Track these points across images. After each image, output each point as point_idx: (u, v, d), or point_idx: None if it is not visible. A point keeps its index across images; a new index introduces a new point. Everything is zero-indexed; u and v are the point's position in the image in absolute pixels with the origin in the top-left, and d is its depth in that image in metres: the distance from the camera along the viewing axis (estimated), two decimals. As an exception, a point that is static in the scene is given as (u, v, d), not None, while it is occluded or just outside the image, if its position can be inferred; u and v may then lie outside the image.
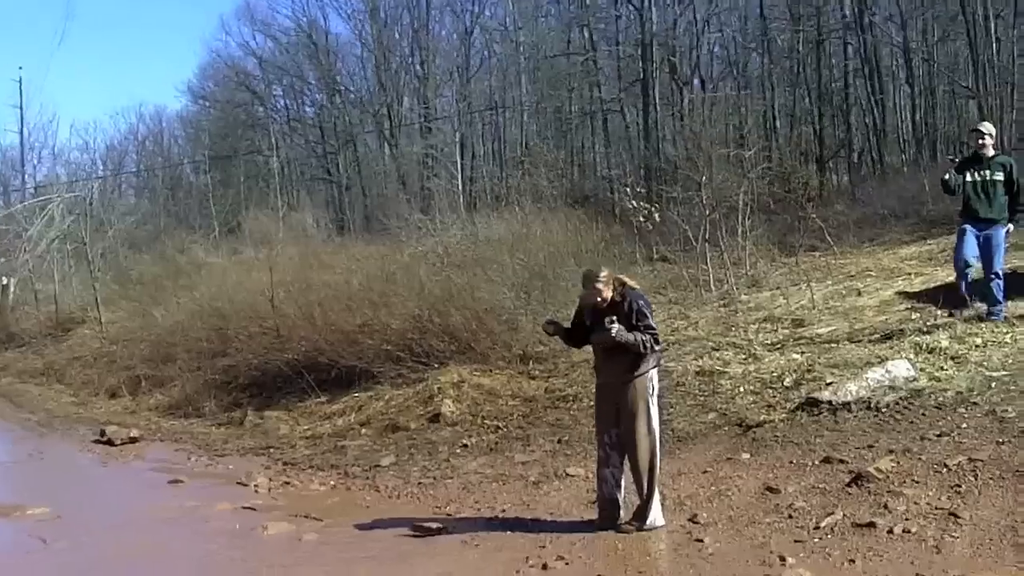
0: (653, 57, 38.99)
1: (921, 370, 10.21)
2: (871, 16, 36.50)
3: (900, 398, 9.72)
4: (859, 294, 14.74)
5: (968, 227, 11.62)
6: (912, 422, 9.21)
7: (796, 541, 7.35)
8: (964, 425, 8.82)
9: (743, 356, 12.08)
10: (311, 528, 8.99)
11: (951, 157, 12.71)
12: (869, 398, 9.82)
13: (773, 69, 39.15)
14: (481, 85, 49.96)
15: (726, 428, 10.28)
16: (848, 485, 8.14)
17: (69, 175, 48.24)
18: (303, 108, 56.37)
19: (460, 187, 37.13)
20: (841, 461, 8.65)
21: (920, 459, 8.32)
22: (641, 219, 18.70)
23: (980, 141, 11.74)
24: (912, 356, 10.72)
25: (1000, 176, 11.58)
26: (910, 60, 35.70)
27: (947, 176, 11.75)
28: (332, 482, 10.93)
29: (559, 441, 11.05)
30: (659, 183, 27.04)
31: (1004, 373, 9.80)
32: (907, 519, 7.36)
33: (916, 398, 9.65)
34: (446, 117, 49.13)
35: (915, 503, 7.59)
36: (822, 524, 7.53)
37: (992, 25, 34.08)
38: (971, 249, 11.57)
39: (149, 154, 63.24)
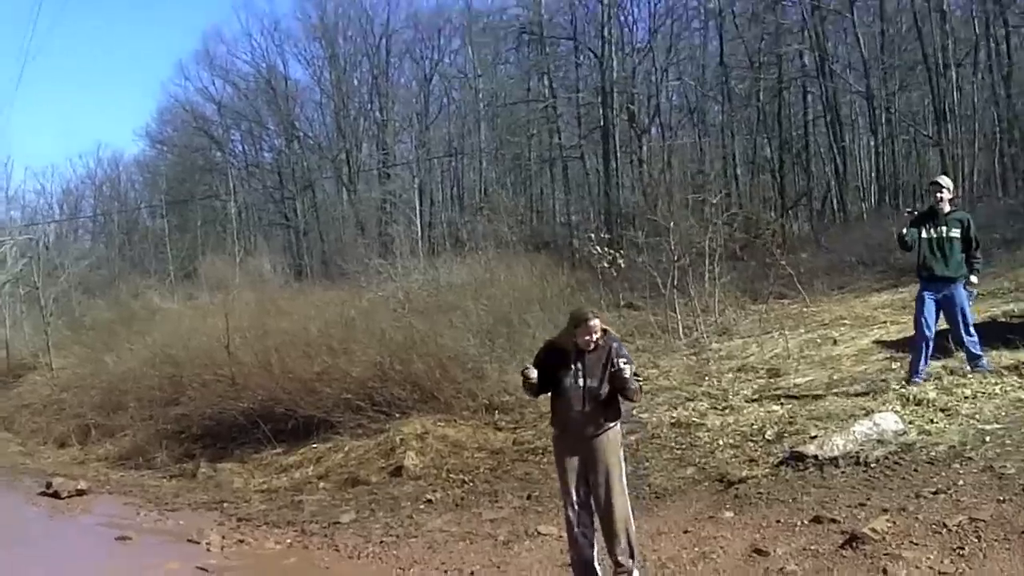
0: (613, 104, 38.85)
1: (910, 423, 9.74)
2: (831, 64, 36.56)
3: (890, 452, 9.23)
4: (835, 343, 14.37)
5: (927, 295, 11.17)
6: (904, 478, 8.72)
7: (791, 610, 6.85)
8: (961, 482, 8.33)
9: (720, 407, 11.61)
10: (267, 593, 8.42)
11: (908, 211, 11.97)
12: (857, 453, 9.34)
13: (733, 117, 39.05)
14: (440, 131, 49.82)
15: (706, 484, 9.76)
16: (842, 547, 7.63)
17: (24, 218, 47.36)
18: (261, 153, 56.02)
19: (419, 233, 36.72)
20: (832, 520, 8.14)
21: (917, 519, 7.82)
22: (605, 265, 18.31)
23: (938, 195, 11.17)
24: (899, 408, 10.26)
25: (956, 233, 11.06)
26: (873, 108, 35.63)
27: (904, 231, 11.17)
28: (289, 540, 10.32)
29: (528, 497, 10.49)
30: (621, 229, 26.70)
31: (998, 426, 9.35)
32: (910, 586, 6.88)
33: (907, 452, 9.17)
34: (405, 163, 48.77)
35: (916, 567, 7.09)
36: (817, 591, 7.03)
37: (953, 74, 34.22)
38: (931, 318, 11.16)
39: (106, 198, 62.36)
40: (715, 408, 11.64)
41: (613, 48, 39.88)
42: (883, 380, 11.78)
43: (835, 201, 36.10)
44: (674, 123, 42.23)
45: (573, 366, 7.47)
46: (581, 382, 7.44)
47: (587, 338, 7.42)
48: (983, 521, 7.54)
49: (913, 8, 35.06)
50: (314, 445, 13.57)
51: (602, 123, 39.54)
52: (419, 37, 50.35)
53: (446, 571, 8.62)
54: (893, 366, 12.50)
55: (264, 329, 16.86)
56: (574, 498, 7.53)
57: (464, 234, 33.26)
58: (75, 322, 30.14)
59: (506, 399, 13.30)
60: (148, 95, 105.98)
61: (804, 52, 37.21)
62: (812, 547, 7.78)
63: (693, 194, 21.59)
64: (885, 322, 15.44)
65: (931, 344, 11.13)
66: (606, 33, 39.61)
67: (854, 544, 7.59)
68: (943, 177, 12.06)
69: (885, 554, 7.32)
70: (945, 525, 7.58)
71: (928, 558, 7.18)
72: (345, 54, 51.11)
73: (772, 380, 12.67)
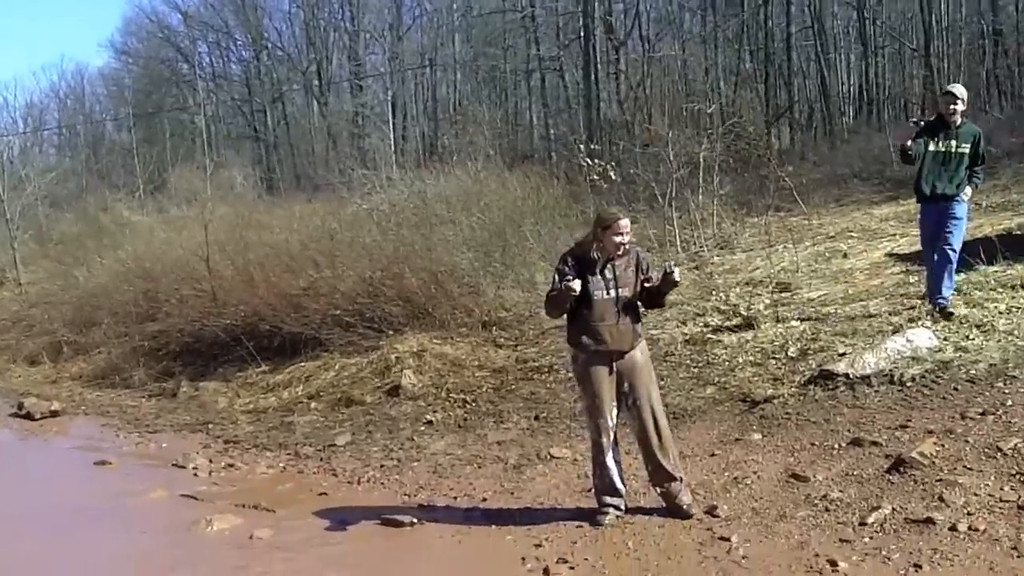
0: (594, 13, 37.75)
1: (945, 339, 9.15)
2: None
3: (926, 371, 8.64)
4: (845, 256, 13.77)
5: (930, 217, 10.06)
6: (945, 398, 8.14)
7: (842, 540, 6.26)
8: (1009, 402, 7.75)
9: (735, 323, 10.97)
10: (263, 522, 7.75)
11: (914, 121, 10.64)
12: (891, 371, 8.75)
13: (716, 29, 38.14)
14: (413, 43, 48.74)
15: (728, 404, 9.15)
16: (888, 472, 7.06)
17: (-13, 132, 46.11)
18: (229, 65, 54.76)
19: (393, 146, 35.91)
20: (874, 443, 7.55)
21: (967, 442, 7.24)
22: (595, 177, 17.59)
23: (952, 106, 9.79)
24: (929, 324, 9.68)
25: (966, 148, 9.95)
26: (864, 18, 34.87)
27: (908, 144, 9.85)
28: (282, 464, 9.66)
29: (536, 418, 9.87)
30: (609, 141, 26.01)
31: (1039, 343, 8.79)
32: (970, 514, 6.29)
33: (944, 371, 8.59)
34: (377, 75, 47.79)
35: (975, 494, 6.52)
36: (869, 520, 6.43)
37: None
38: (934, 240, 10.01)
39: (70, 111, 60.99)
40: (729, 324, 11.00)
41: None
42: (903, 294, 11.21)
43: (820, 114, 35.41)
44: (653, 36, 41.23)
45: (602, 275, 6.80)
46: (614, 292, 6.79)
47: (618, 239, 6.75)
48: (1040, 443, 7.01)
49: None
50: (302, 363, 12.87)
51: (582, 33, 38.47)
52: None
53: (455, 497, 8.00)
54: (911, 279, 11.92)
55: (244, 242, 16.03)
56: (610, 423, 6.91)
57: (440, 147, 32.52)
58: (43, 236, 29.24)
59: (503, 315, 12.66)
60: (113, 6, 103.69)
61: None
62: (855, 472, 7.21)
63: (689, 102, 20.89)
64: (894, 234, 14.87)
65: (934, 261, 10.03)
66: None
67: (901, 469, 7.02)
68: (958, 86, 10.49)
69: (938, 480, 6.76)
70: (999, 448, 7.02)
71: (986, 484, 6.61)
72: (315, -38, 49.65)
73: (784, 295, 12.05)
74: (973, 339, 9.10)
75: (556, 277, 6.82)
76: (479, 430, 9.83)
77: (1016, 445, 7.01)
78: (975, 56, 34.31)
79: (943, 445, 7.25)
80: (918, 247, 13.69)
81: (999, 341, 8.95)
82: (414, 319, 12.61)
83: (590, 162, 17.80)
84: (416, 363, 11.61)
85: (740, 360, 9.95)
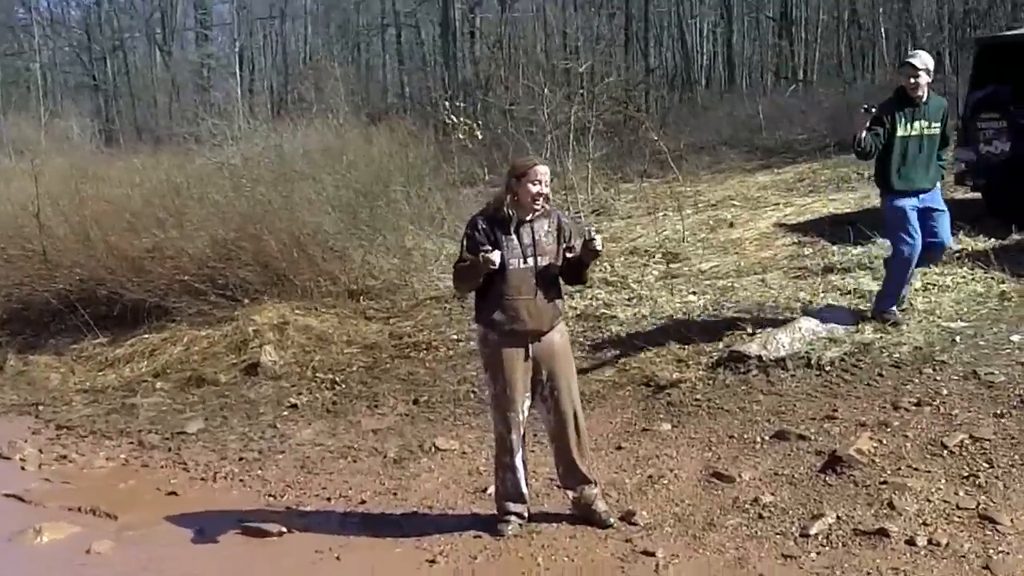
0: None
1: (863, 319, 8.42)
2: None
3: (845, 353, 7.91)
4: (731, 225, 13.07)
5: (907, 203, 8.11)
6: (870, 385, 7.41)
7: (785, 556, 5.46)
8: (944, 391, 7.05)
9: (627, 296, 10.12)
10: (103, 531, 6.59)
11: (865, 107, 8.20)
12: (807, 353, 7.99)
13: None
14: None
15: (630, 388, 8.25)
16: (823, 472, 6.29)
17: None
18: (68, 10, 51.85)
19: (239, 99, 34.28)
20: (801, 437, 6.76)
21: (906, 437, 6.51)
22: (460, 136, 16.58)
23: (913, 80, 7.95)
24: (838, 300, 8.98)
25: (938, 127, 8.19)
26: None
27: (863, 135, 7.90)
28: (123, 455, 8.37)
29: (415, 402, 8.78)
30: (475, 100, 25.06)
31: (964, 325, 8.13)
32: (926, 524, 5.55)
33: (865, 354, 7.86)
34: (224, 25, 45.97)
35: (928, 500, 5.78)
36: (812, 531, 5.63)
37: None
38: (918, 233, 8.10)
39: None
40: (620, 297, 10.14)
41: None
42: (801, 268, 10.52)
43: (680, 80, 35.04)
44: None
45: (519, 239, 5.79)
46: (532, 261, 5.79)
47: (535, 189, 5.76)
48: (987, 440, 6.34)
49: None
50: (146, 335, 11.38)
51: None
52: None
53: (329, 499, 6.95)
54: (804, 251, 11.28)
55: (79, 197, 14.42)
56: (521, 416, 5.92)
57: (290, 102, 31.10)
58: None
59: (373, 284, 11.54)
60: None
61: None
62: (785, 471, 6.41)
63: (560, 60, 20.04)
64: (777, 203, 14.28)
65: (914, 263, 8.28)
66: None
67: (837, 468, 6.27)
68: (920, 54, 8.28)
69: (882, 483, 6.02)
70: (944, 445, 6.32)
71: (938, 489, 5.90)
72: (161, -96, 47.36)
73: (673, 266, 11.25)
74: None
75: (465, 244, 5.82)
76: (351, 416, 8.71)
77: (963, 441, 6.30)
78: (831, 28, 34.47)
79: (880, 440, 6.50)
80: (805, 217, 13.19)
81: (920, 322, 8.30)
82: (273, 286, 11.37)
83: (455, 120, 16.79)
84: (277, 337, 10.35)
85: (639, 338, 9.05)
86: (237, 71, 40.57)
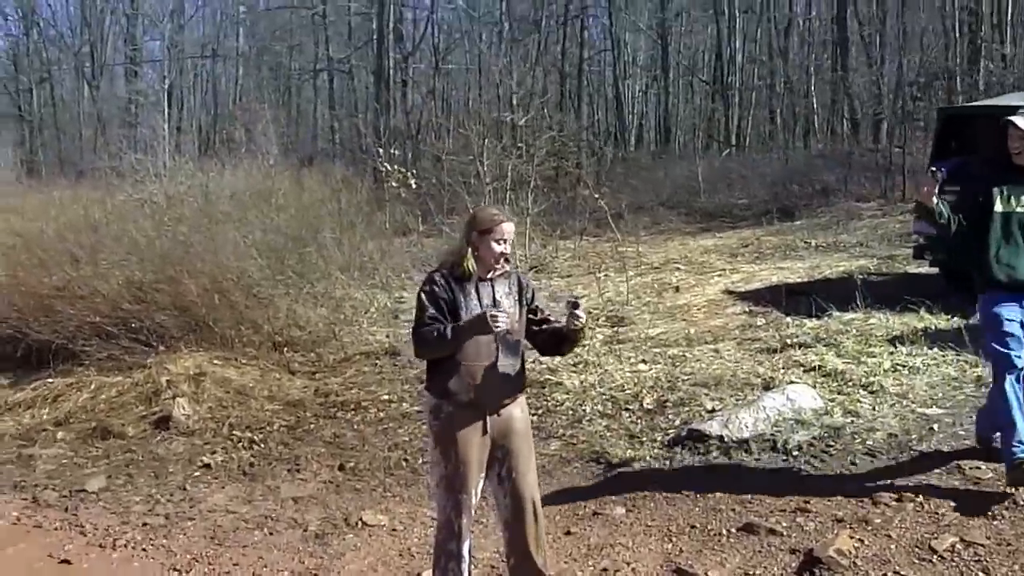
0: (389, 16, 36.22)
1: (831, 400, 7.86)
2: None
3: (814, 438, 7.30)
4: (677, 290, 12.56)
5: (1006, 308, 6.22)
6: (842, 475, 6.81)
7: None
8: (926, 483, 6.46)
9: (572, 361, 9.45)
10: (-22, 610, 5.73)
11: (933, 170, 6.57)
12: (773, 435, 7.37)
13: (511, 46, 37.14)
14: (194, 33, 46.36)
15: (579, 464, 7.55)
16: (799, 574, 5.61)
17: None
18: (-6, 40, 50.33)
19: (166, 136, 33.43)
20: (771, 532, 6.07)
21: (889, 537, 5.86)
22: (393, 184, 15.98)
23: (1020, 142, 6.23)
24: (801, 378, 8.42)
25: None
26: (666, 46, 34.55)
27: (937, 204, 6.18)
28: (15, 513, 7.40)
29: (342, 468, 7.94)
30: (408, 149, 24.48)
31: (940, 411, 7.57)
32: (923, 644, 4.92)
33: (835, 439, 7.27)
34: (154, 62, 45.14)
35: (920, 613, 5.16)
36: (796, 647, 4.98)
37: (739, 20, 33.72)
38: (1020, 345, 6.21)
39: None
40: (565, 361, 9.43)
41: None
42: (756, 339, 10.00)
43: (615, 140, 34.79)
44: (443, 47, 40.05)
45: (478, 299, 5.10)
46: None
47: (499, 249, 5.03)
48: (980, 545, 5.66)
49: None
50: (50, 379, 10.31)
51: (376, 36, 36.88)
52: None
53: (241, 578, 6.16)
54: (757, 321, 10.81)
55: (-14, 228, 13.49)
56: (472, 500, 5.14)
57: (217, 142, 30.30)
58: None
59: (298, 334, 10.76)
60: None
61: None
62: (756, 571, 5.71)
63: (498, 113, 19.56)
64: (724, 269, 13.87)
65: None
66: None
67: (816, 572, 5.57)
68: None
69: (867, 590, 5.36)
70: (934, 550, 5.65)
71: (931, 601, 5.25)
72: (94, -61, 46.43)
73: (618, 330, 10.66)
74: (862, 402, 7.86)
75: (425, 302, 5.02)
76: (269, 480, 7.84)
77: (954, 546, 5.66)
78: (764, 95, 34.65)
79: (861, 540, 5.84)
80: (753, 285, 12.73)
81: (893, 406, 7.74)
82: (191, 333, 10.53)
83: (389, 168, 16.19)
84: (192, 389, 9.44)
85: (587, 409, 8.39)
86: (166, 108, 39.66)
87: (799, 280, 12.78)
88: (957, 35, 27.43)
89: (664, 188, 23.28)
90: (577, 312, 4.96)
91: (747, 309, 11.40)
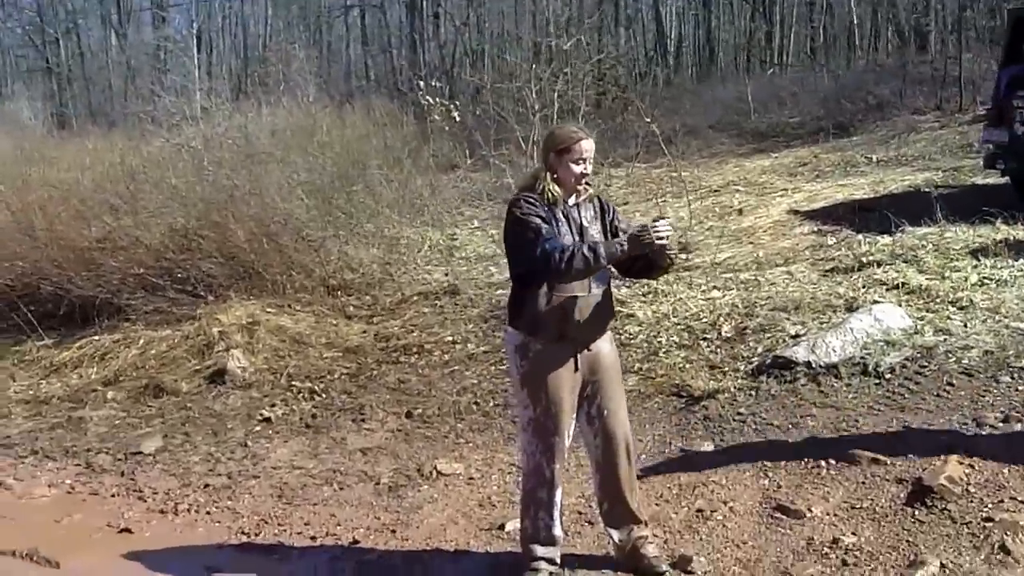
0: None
1: (920, 319, 7.37)
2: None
3: (906, 359, 6.85)
4: (740, 212, 12.04)
5: None
6: (942, 396, 6.37)
7: (887, 618, 4.37)
8: (1035, 405, 6.01)
9: (641, 291, 9.00)
10: (38, 587, 5.39)
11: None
12: (863, 359, 6.92)
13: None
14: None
15: (659, 399, 7.14)
16: (910, 505, 5.19)
17: None
18: (20, -8, 49.85)
19: (197, 83, 33.01)
20: (874, 461, 5.65)
21: (1000, 461, 5.43)
22: (436, 118, 15.44)
23: None
24: (884, 296, 7.94)
25: None
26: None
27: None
28: (69, 481, 7.07)
29: (409, 415, 7.58)
30: (450, 80, 23.97)
31: (1037, 324, 7.10)
32: (1066, 581, 4.48)
33: (928, 359, 6.81)
34: (181, 5, 44.62)
35: (1054, 547, 4.71)
36: (919, 586, 4.56)
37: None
38: None
39: None
40: (634, 291, 9.00)
41: None
42: (829, 259, 9.51)
43: (658, 63, 33.99)
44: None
45: (568, 223, 4.62)
46: None
47: (579, 169, 4.61)
48: (1105, 469, 5.24)
49: None
50: (96, 337, 9.91)
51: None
52: None
53: (314, 537, 5.80)
54: (828, 240, 10.31)
55: (23, 180, 13.03)
56: (565, 443, 4.76)
57: (250, 84, 29.86)
58: None
59: (352, 277, 10.35)
60: None
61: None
62: (863, 504, 5.31)
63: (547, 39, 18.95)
64: (785, 189, 13.33)
65: None
66: None
67: (927, 501, 5.17)
68: None
69: (986, 519, 4.94)
70: (1051, 475, 5.24)
71: (1063, 531, 4.81)
72: None
73: (686, 257, 10.14)
74: (953, 319, 7.37)
75: (527, 220, 4.51)
76: (335, 432, 7.48)
77: (1074, 465, 5.24)
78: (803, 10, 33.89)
79: (972, 466, 5.43)
80: (818, 204, 12.21)
81: (985, 321, 7.26)
82: (240, 281, 10.12)
83: (431, 101, 15.65)
84: (246, 339, 9.03)
85: (663, 340, 7.95)
86: (195, 53, 39.20)
87: (864, 196, 12.24)
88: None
89: (712, 110, 22.59)
90: (652, 225, 4.44)
91: (815, 228, 10.91)
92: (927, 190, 11.76)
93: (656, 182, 13.93)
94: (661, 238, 4.38)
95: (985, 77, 17.98)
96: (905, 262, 8.76)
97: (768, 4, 33.68)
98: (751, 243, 10.62)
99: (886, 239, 9.79)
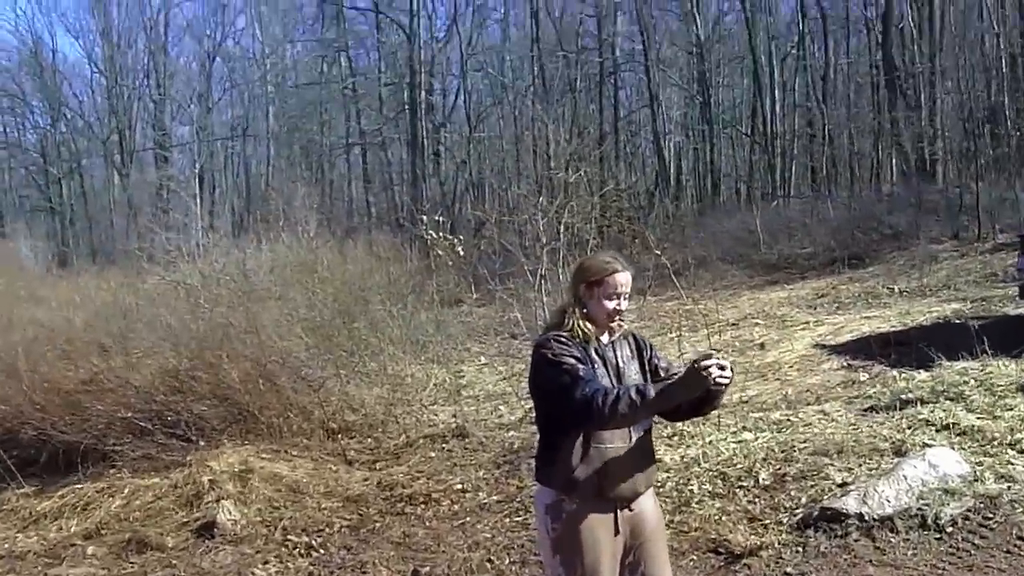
0: (421, 84, 35.64)
1: (978, 464, 6.70)
2: (656, 51, 34.73)
3: (968, 510, 6.17)
4: (762, 347, 11.43)
5: None
6: (1012, 552, 5.70)
7: None
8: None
9: (668, 433, 8.34)
10: None
11: None
12: (920, 510, 6.22)
13: (547, 107, 36.49)
14: (223, 115, 46.11)
15: (695, 556, 6.40)
16: None
17: None
18: (24, 133, 50.16)
19: (199, 222, 32.79)
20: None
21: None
22: (439, 253, 14.93)
23: None
24: (934, 439, 7.28)
25: None
26: (707, 96, 33.71)
27: None
28: None
29: (416, 574, 6.81)
30: (447, 218, 23.58)
31: (1111, 471, 6.43)
32: None
33: (993, 509, 6.14)
34: (184, 144, 44.79)
35: None
36: None
37: (775, 69, 33.14)
38: None
39: None
40: (659, 433, 8.31)
41: (420, 23, 36.71)
42: (865, 397, 8.88)
43: (662, 196, 33.84)
44: (475, 116, 39.45)
45: (604, 365, 3.98)
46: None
47: (612, 305, 3.98)
48: None
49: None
50: (79, 485, 9.03)
51: (408, 105, 36.28)
52: (201, 12, 46.30)
53: None
54: (860, 377, 9.69)
55: (8, 319, 12.42)
56: None
57: (251, 222, 29.59)
58: None
59: (352, 419, 9.69)
60: None
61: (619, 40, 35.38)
62: None
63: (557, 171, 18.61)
64: (807, 322, 12.79)
65: None
66: (414, 6, 36.36)
67: None
68: None
69: None
70: None
71: None
72: (119, 27, 46.66)
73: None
74: (1014, 463, 6.71)
75: (560, 360, 3.83)
76: None
77: None
78: (804, 142, 34.05)
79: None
80: (844, 337, 11.66)
81: (1049, 466, 6.57)
82: (234, 424, 9.46)
83: (434, 235, 15.16)
84: (238, 489, 8.24)
85: (694, 489, 7.24)
86: (197, 192, 39.18)
87: (892, 329, 11.67)
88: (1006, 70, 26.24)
89: (720, 242, 22.23)
90: (716, 362, 3.79)
91: (844, 364, 10.34)
92: (958, 321, 11.22)
93: (670, 315, 13.37)
94: (725, 376, 3.74)
95: (999, 205, 17.69)
96: (949, 399, 8.13)
97: (768, 136, 33.69)
98: (778, 380, 10.03)
99: (923, 375, 9.21)
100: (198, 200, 37.02)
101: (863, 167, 31.67)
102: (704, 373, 3.57)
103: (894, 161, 30.51)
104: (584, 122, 35.11)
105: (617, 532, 3.97)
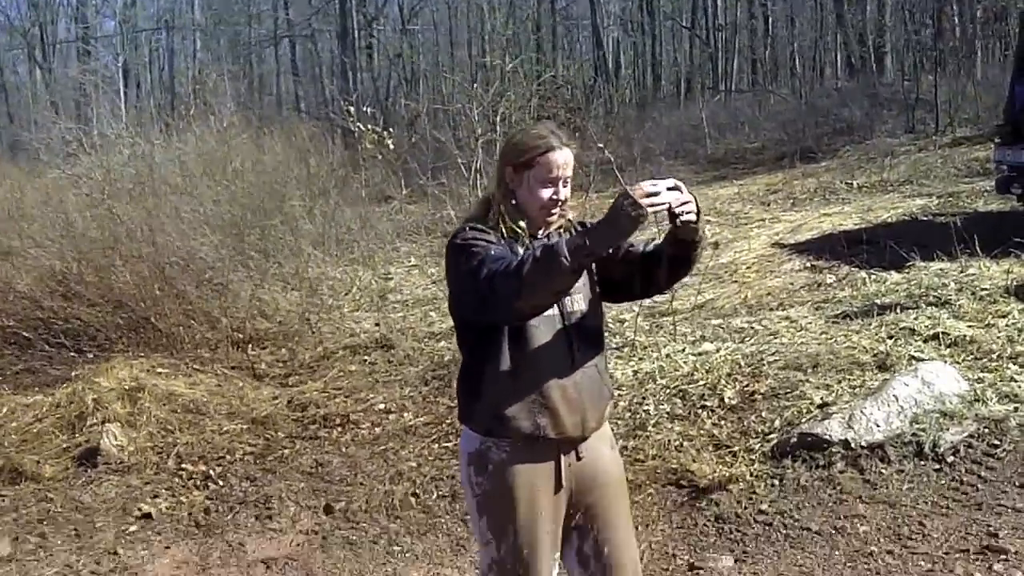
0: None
1: (977, 380, 5.82)
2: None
3: (970, 436, 5.31)
4: (716, 246, 10.50)
5: None
6: (1025, 485, 4.84)
7: None
8: None
9: (617, 342, 7.41)
10: None
11: None
12: (915, 436, 5.35)
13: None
14: (148, 9, 44.54)
15: (653, 490, 5.49)
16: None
17: None
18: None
19: (124, 118, 31.41)
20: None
21: None
22: (368, 145, 13.85)
23: None
24: (923, 350, 6.41)
25: None
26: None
27: None
28: None
29: (329, 510, 5.80)
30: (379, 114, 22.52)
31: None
32: None
33: (1000, 435, 5.29)
34: (107, 37, 43.11)
35: None
36: None
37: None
38: None
39: None
40: (611, 344, 7.37)
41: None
42: (834, 301, 8.02)
43: (602, 88, 32.91)
44: (410, 7, 38.13)
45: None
46: (558, 307, 2.99)
47: (549, 195, 3.01)
48: None
49: None
50: None
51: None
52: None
53: None
54: (827, 279, 8.85)
55: None
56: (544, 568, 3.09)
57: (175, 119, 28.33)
58: None
59: (264, 327, 8.64)
60: None
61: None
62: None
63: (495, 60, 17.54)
64: (761, 219, 11.94)
65: None
66: None
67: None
68: None
69: None
70: None
71: None
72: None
73: (659, 299, 8.52)
74: (1017, 380, 5.82)
75: (471, 245, 2.86)
76: (231, 533, 5.68)
77: None
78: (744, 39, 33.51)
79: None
80: (804, 235, 10.84)
81: (1056, 386, 5.72)
82: (129, 332, 8.41)
83: (362, 127, 14.06)
84: (127, 409, 7.13)
85: (651, 410, 6.29)
86: (121, 87, 37.64)
87: (855, 227, 10.83)
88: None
89: (665, 136, 21.33)
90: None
91: (807, 264, 9.51)
92: (927, 217, 10.41)
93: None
94: (688, 207, 2.82)
95: (954, 98, 17.12)
96: (932, 305, 7.26)
97: (709, 30, 32.84)
98: (735, 282, 9.17)
99: (896, 276, 8.39)
100: (122, 95, 35.60)
101: (807, 60, 30.92)
102: (634, 203, 2.59)
103: (839, 55, 29.83)
104: (520, 9, 34.06)
105: (560, 485, 3.03)
